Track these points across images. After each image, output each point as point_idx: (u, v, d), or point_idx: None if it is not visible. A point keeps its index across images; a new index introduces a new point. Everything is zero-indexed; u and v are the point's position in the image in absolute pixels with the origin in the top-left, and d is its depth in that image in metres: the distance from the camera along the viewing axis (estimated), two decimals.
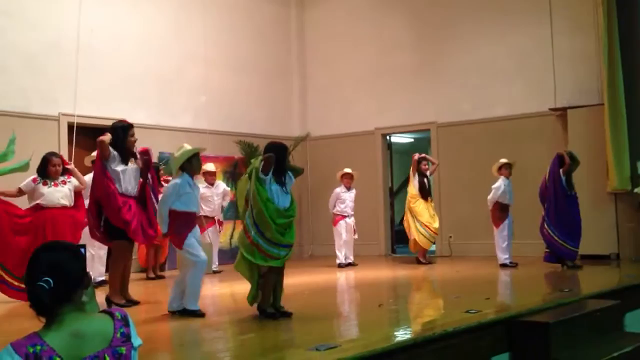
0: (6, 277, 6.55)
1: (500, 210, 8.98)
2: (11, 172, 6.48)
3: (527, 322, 4.73)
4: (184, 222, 5.51)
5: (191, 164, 5.63)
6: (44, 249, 2.08)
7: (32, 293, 1.97)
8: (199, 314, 5.39)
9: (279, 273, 5.28)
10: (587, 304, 5.56)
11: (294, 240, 5.31)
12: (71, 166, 7.08)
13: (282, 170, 5.25)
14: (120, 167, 5.96)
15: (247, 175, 5.32)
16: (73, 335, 1.96)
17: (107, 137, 5.89)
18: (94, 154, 6.64)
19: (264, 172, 5.12)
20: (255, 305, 5.30)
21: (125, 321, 2.07)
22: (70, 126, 9.00)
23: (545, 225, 8.37)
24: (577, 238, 8.32)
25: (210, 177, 9.52)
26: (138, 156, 6.21)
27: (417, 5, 11.68)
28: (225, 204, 9.78)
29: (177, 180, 5.54)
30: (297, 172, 5.65)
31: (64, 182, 6.81)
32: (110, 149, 5.91)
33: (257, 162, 5.21)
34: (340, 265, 9.80)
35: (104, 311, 2.10)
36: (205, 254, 5.67)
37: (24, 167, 6.62)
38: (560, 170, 8.40)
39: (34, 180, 6.70)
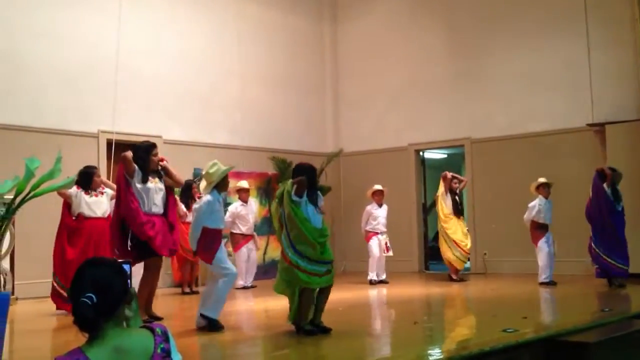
0: (60, 290, 6.80)
1: (538, 229, 8.84)
2: (57, 189, 6.66)
3: (567, 342, 4.63)
4: (213, 238, 5.55)
5: (223, 182, 5.69)
6: (88, 265, 2.12)
7: (76, 308, 2.01)
8: (217, 326, 5.39)
9: (320, 291, 5.23)
10: (628, 323, 5.43)
11: (333, 258, 5.30)
12: (101, 178, 7.33)
13: (314, 191, 5.27)
14: (144, 185, 6.02)
15: (277, 199, 5.33)
16: (115, 350, 1.99)
17: (129, 153, 6.00)
18: None
19: (298, 194, 5.13)
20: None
21: (165, 337, 2.09)
22: (109, 143, 9.19)
23: (593, 243, 8.23)
24: (625, 255, 8.13)
25: (244, 195, 9.58)
26: (163, 174, 6.29)
27: (451, 19, 11.65)
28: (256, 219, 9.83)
29: (209, 198, 5.56)
30: (325, 191, 5.65)
31: (101, 193, 7.09)
32: (135, 165, 6.00)
33: (288, 185, 5.20)
34: (372, 282, 9.73)
35: (144, 326, 2.13)
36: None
37: (69, 185, 6.80)
38: (604, 184, 8.26)
39: (77, 187, 6.92)
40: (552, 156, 10.26)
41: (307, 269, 5.06)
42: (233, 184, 9.91)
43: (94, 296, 1.99)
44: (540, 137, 10.52)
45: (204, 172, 5.73)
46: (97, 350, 1.98)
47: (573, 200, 9.27)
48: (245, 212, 9.49)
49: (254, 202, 9.92)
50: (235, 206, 9.47)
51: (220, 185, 5.67)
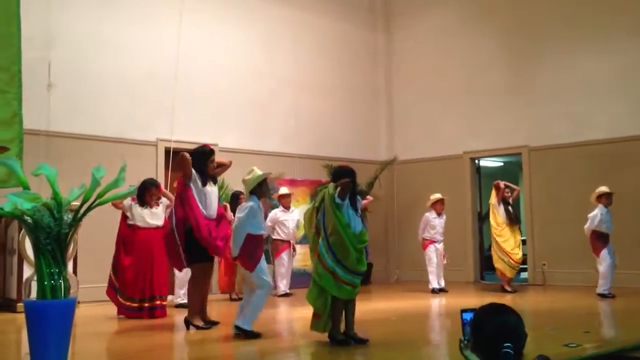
0: (114, 284, 7.07)
1: (599, 239, 8.56)
2: (121, 198, 6.88)
3: (632, 357, 4.45)
4: (257, 244, 5.62)
5: (261, 188, 5.75)
6: (494, 313, 2.23)
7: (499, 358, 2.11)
8: (253, 335, 5.46)
9: (348, 300, 5.23)
10: None
11: (365, 269, 5.28)
12: (161, 191, 7.47)
13: (354, 194, 5.27)
14: (203, 188, 6.11)
15: (315, 203, 5.33)
16: None
17: (188, 155, 6.11)
18: None
19: (341, 197, 5.13)
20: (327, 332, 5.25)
21: None
22: (167, 151, 9.40)
23: None
24: None
25: (285, 200, 9.64)
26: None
27: (508, 24, 11.41)
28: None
29: (251, 204, 5.64)
30: (364, 194, 5.62)
31: (157, 204, 7.20)
32: (192, 168, 6.10)
33: (331, 188, 5.20)
34: (434, 291, 9.60)
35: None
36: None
37: (132, 194, 7.01)
38: None
39: (132, 199, 7.09)
40: (615, 165, 9.91)
41: (343, 277, 5.06)
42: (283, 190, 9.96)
43: (511, 345, 2.12)
44: (602, 145, 10.17)
45: (243, 179, 5.81)
46: None
47: (636, 211, 8.93)
48: (285, 217, 9.54)
49: (297, 211, 9.88)
50: (275, 212, 9.55)
51: (259, 192, 5.73)
